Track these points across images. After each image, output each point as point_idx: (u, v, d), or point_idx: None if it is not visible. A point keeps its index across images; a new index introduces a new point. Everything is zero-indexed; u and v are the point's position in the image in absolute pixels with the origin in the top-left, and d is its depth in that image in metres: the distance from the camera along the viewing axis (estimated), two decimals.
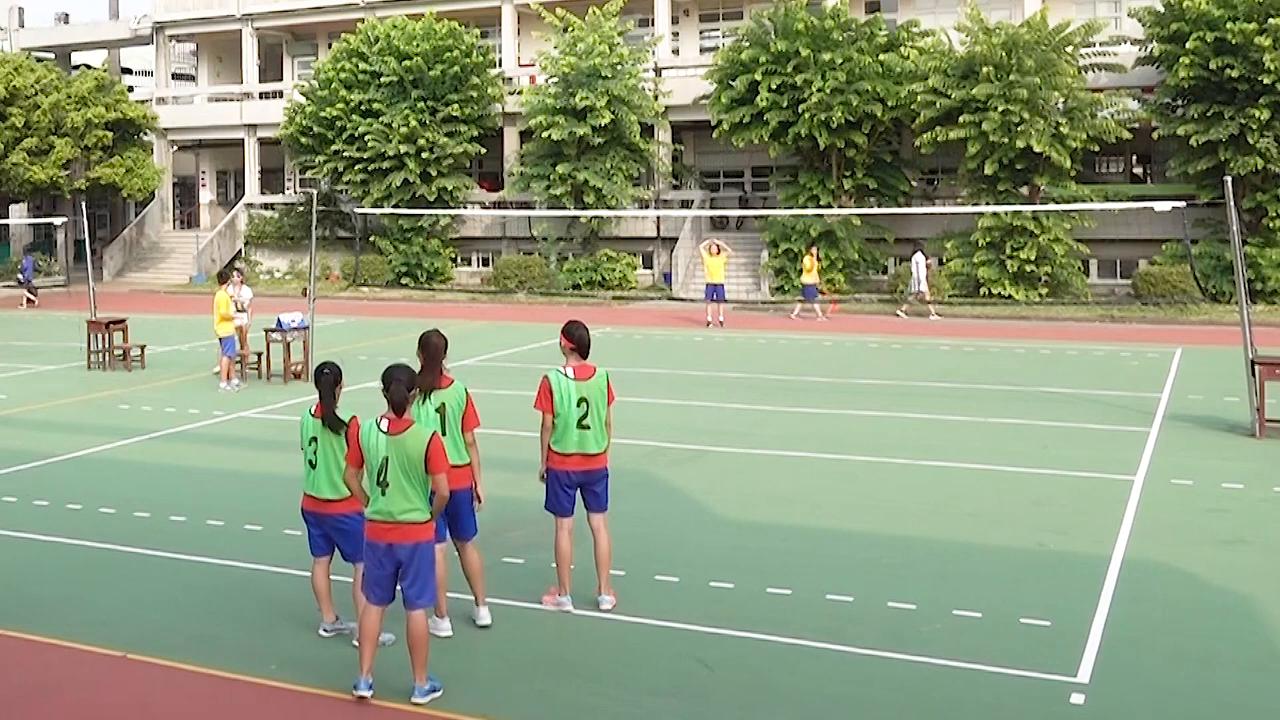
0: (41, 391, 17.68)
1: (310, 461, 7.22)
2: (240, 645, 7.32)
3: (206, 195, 47.24)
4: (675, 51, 38.45)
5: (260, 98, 43.66)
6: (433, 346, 7.47)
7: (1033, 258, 29.09)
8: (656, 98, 34.81)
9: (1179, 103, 28.88)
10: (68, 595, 8.37)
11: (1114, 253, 30.98)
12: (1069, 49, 29.21)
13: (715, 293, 26.71)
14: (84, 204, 25.74)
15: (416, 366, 7.29)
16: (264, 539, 9.63)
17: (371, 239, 37.02)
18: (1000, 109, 28.13)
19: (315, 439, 7.20)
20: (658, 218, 35.19)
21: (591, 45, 33.24)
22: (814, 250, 28.80)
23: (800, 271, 28.43)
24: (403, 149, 35.07)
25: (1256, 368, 13.66)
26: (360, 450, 6.58)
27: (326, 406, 7.19)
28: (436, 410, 7.32)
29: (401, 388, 6.52)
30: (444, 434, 7.23)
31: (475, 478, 7.45)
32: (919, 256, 28.12)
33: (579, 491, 7.84)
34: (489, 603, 7.59)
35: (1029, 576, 8.56)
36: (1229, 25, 26.55)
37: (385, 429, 6.49)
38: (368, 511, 6.55)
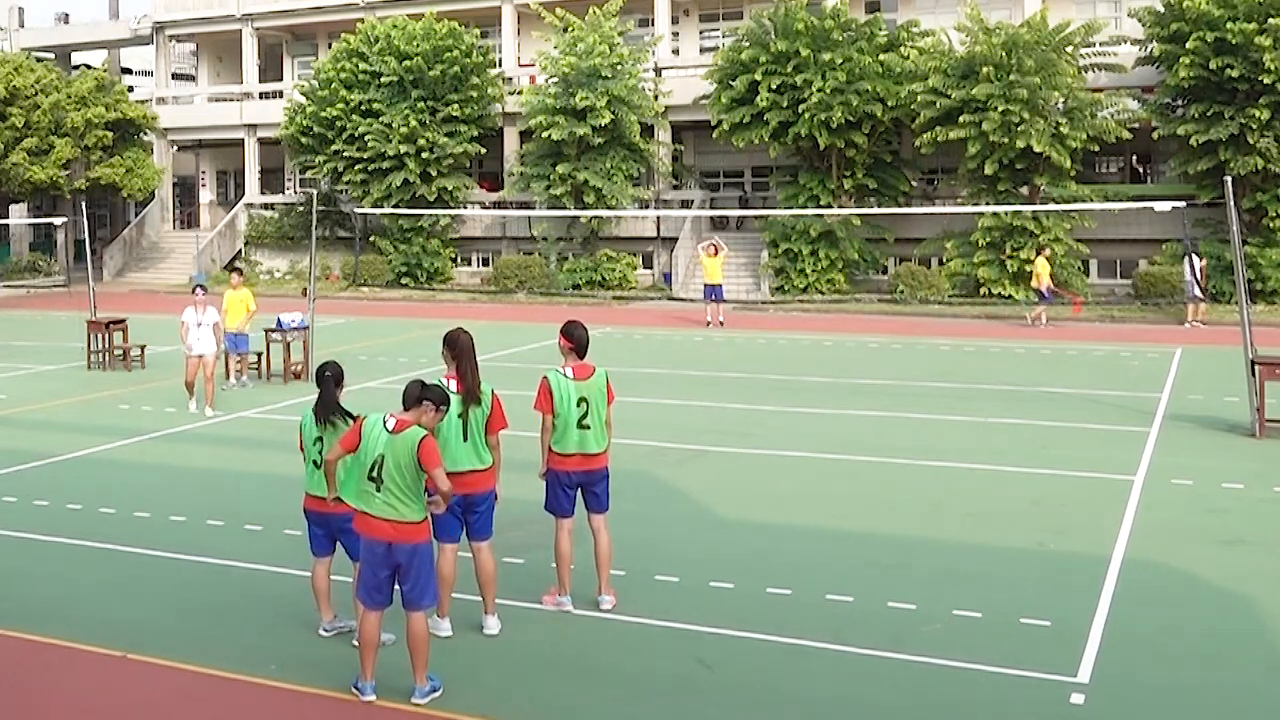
0: (41, 391, 17.68)
1: (315, 462, 7.22)
2: (240, 645, 7.32)
3: (206, 195, 47.24)
4: (675, 51, 38.45)
5: (260, 98, 43.66)
6: (462, 344, 7.37)
7: (1033, 258, 29.07)
8: (656, 98, 34.81)
9: (1179, 103, 28.88)
10: (68, 595, 8.37)
11: (1114, 253, 30.99)
12: (1069, 49, 29.21)
13: (714, 293, 26.71)
14: (84, 204, 25.77)
15: (441, 368, 7.29)
16: (264, 539, 9.62)
17: (371, 239, 37.02)
18: (1000, 109, 28.13)
19: (320, 439, 7.20)
20: (658, 218, 35.20)
21: (591, 45, 33.24)
22: (1046, 251, 26.86)
23: (1033, 275, 26.39)
24: (403, 149, 35.07)
25: (1256, 368, 13.66)
26: (358, 439, 6.58)
27: (323, 405, 7.19)
28: (459, 416, 7.26)
29: (415, 387, 6.61)
30: (466, 438, 7.22)
31: (496, 477, 7.45)
32: (1193, 259, 25.32)
33: (579, 492, 7.83)
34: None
35: (1029, 576, 8.56)
36: (1229, 25, 26.55)
37: (390, 427, 6.50)
38: (358, 506, 6.54)
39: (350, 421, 7.05)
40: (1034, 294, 26.27)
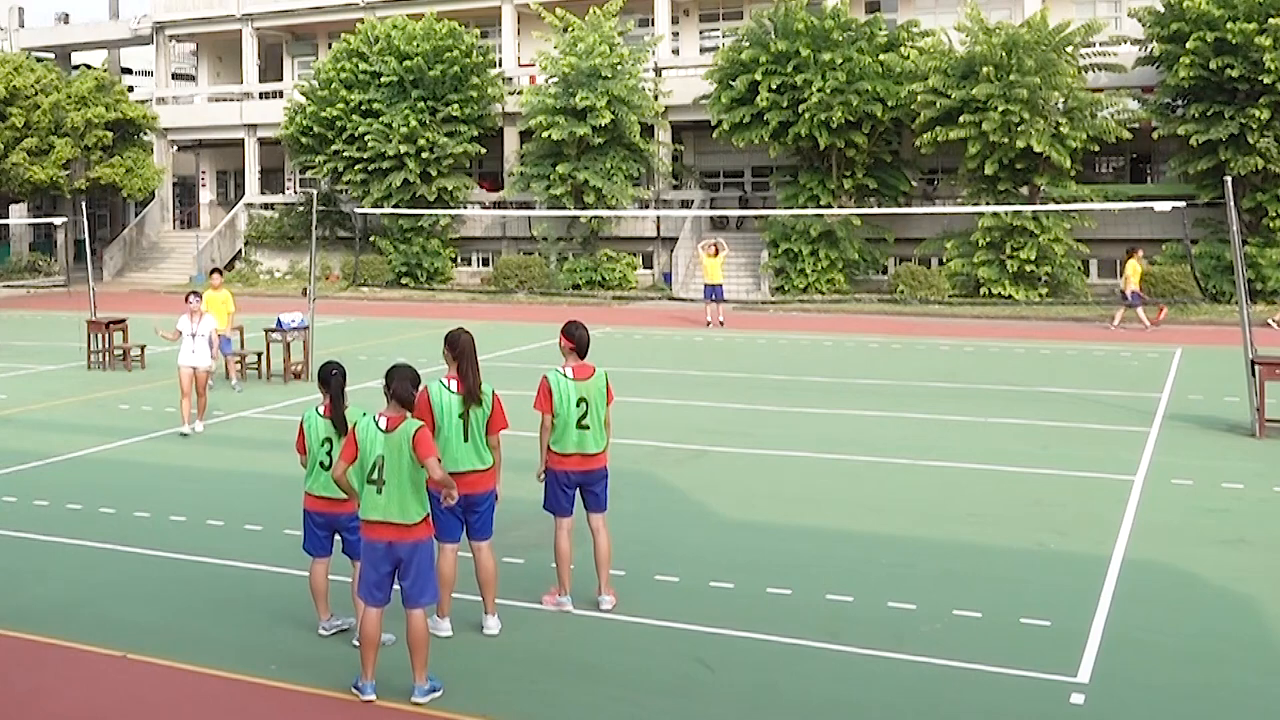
0: (41, 391, 17.68)
1: (322, 463, 7.20)
2: (240, 645, 7.31)
3: (206, 195, 47.25)
4: (675, 51, 38.45)
5: (260, 98, 43.67)
6: (463, 344, 7.35)
7: (1033, 258, 29.10)
8: (656, 98, 34.82)
9: (1179, 103, 28.89)
10: (68, 595, 8.37)
11: (1114, 253, 30.93)
12: (1069, 49, 29.22)
13: (714, 293, 26.71)
14: (84, 204, 25.78)
15: (441, 368, 7.28)
16: (264, 539, 9.62)
17: (371, 239, 37.03)
18: (1000, 109, 28.13)
19: (329, 440, 7.19)
20: (658, 218, 35.20)
21: (591, 45, 33.24)
22: (1138, 253, 25.58)
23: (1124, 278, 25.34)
24: (403, 149, 35.07)
25: (1256, 368, 13.66)
26: (355, 446, 6.57)
27: (336, 409, 7.18)
28: (460, 416, 7.26)
29: (406, 383, 6.53)
30: (466, 438, 7.22)
31: (496, 477, 7.44)
32: None
33: (578, 491, 7.84)
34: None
35: (1029, 576, 8.55)
36: (1229, 25, 26.56)
37: (383, 426, 6.49)
38: (362, 512, 6.54)
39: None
40: (1121, 297, 25.30)
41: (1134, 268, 25.07)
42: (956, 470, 11.94)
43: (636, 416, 14.00)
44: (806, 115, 30.38)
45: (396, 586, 6.57)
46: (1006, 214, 28.34)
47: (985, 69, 28.37)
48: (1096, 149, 29.91)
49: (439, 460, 6.51)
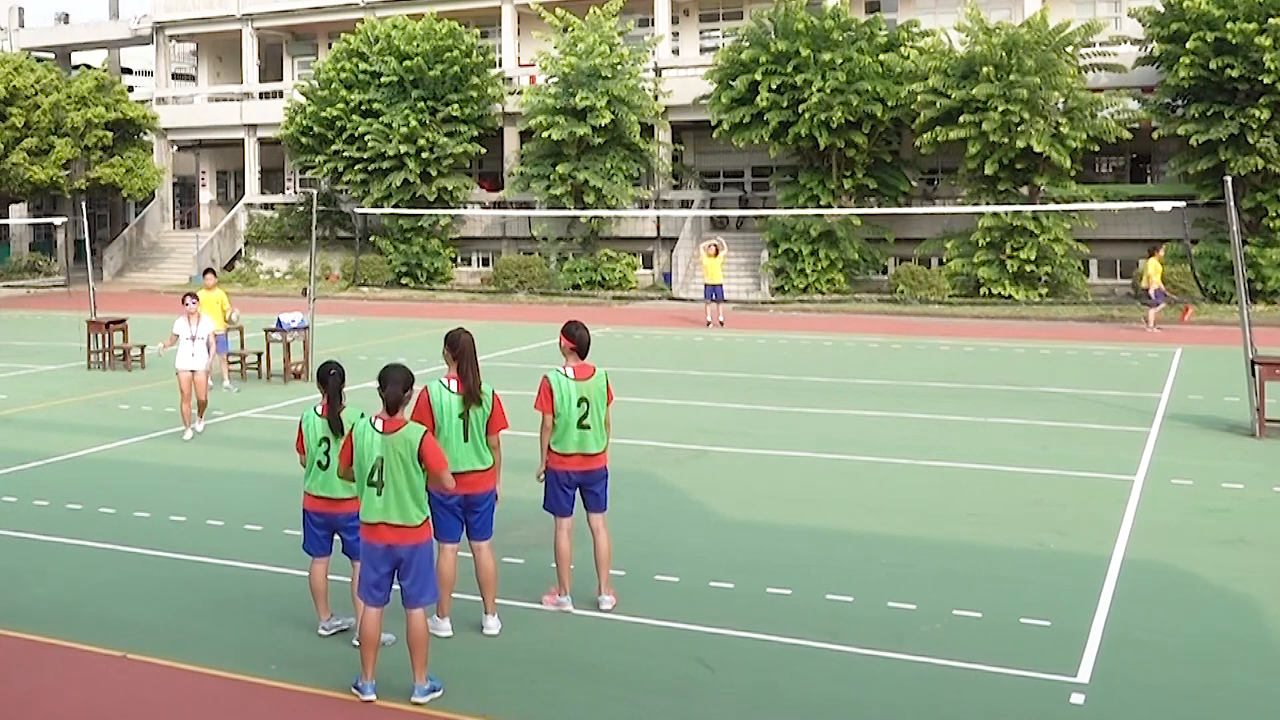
0: (41, 391, 17.68)
1: (320, 463, 7.21)
2: (240, 645, 7.32)
3: (206, 195, 47.25)
4: (675, 51, 38.46)
5: (260, 98, 43.67)
6: (463, 344, 7.34)
7: (1033, 258, 29.10)
8: (656, 98, 34.82)
9: (1179, 103, 28.89)
10: (68, 595, 8.37)
11: (1114, 253, 30.99)
12: (1069, 49, 29.23)
13: (714, 293, 26.72)
14: (84, 204, 25.79)
15: (441, 368, 7.28)
16: (264, 539, 9.62)
17: (371, 239, 37.03)
18: (1000, 109, 28.14)
19: (326, 439, 7.19)
20: (658, 218, 35.21)
21: (591, 45, 33.25)
22: (1159, 252, 25.36)
23: (1141, 276, 25.12)
24: (403, 149, 35.07)
25: (1256, 368, 13.66)
26: (352, 450, 6.57)
27: (333, 408, 7.17)
28: (460, 416, 7.26)
29: (397, 388, 6.49)
30: (466, 438, 7.22)
31: (496, 477, 7.44)
32: None
33: (578, 492, 7.84)
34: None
35: (1029, 576, 8.56)
36: (1229, 25, 26.56)
37: (380, 429, 6.48)
38: (361, 514, 6.54)
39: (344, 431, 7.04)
40: (1143, 296, 25.00)
41: (1155, 266, 24.93)
42: (956, 470, 11.94)
43: (636, 416, 14.00)
44: (806, 115, 30.38)
45: (396, 586, 6.57)
46: (1006, 214, 28.34)
47: (985, 69, 28.37)
48: (1096, 149, 29.92)
49: (450, 471, 6.51)
